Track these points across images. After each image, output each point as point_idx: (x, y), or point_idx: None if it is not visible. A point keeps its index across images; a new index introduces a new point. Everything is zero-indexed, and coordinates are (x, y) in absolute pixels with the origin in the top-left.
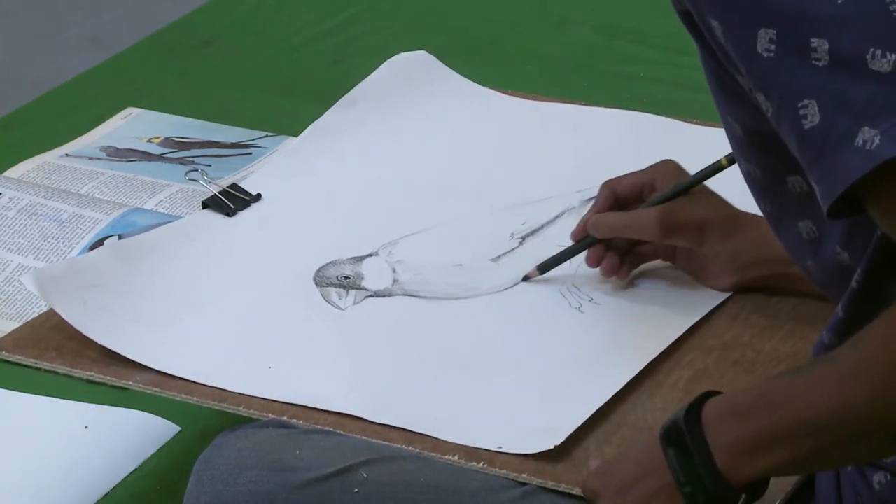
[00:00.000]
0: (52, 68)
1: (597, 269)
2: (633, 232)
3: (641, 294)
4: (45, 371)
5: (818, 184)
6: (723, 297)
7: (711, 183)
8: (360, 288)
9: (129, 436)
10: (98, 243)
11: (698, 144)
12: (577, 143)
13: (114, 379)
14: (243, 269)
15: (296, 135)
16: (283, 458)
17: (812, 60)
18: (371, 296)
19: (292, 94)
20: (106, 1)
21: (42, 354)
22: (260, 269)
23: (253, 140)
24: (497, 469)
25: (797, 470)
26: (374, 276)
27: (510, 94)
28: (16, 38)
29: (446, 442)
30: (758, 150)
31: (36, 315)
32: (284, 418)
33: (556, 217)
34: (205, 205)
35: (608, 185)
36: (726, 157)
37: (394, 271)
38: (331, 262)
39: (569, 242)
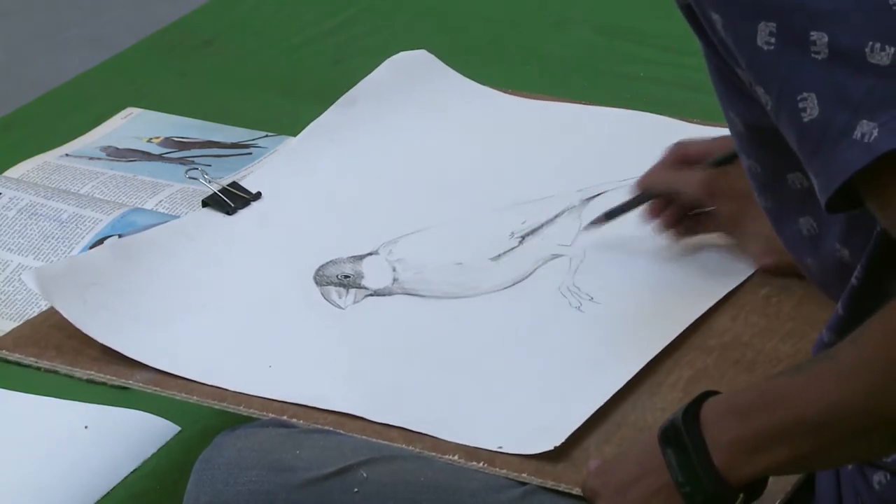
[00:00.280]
0: (52, 68)
1: (596, 270)
2: (681, 188)
3: (642, 293)
4: (46, 370)
5: (817, 177)
6: (722, 294)
7: None
8: (360, 287)
9: (129, 436)
10: (98, 243)
11: None
12: (577, 143)
13: (114, 378)
14: (243, 267)
15: (296, 135)
16: (283, 457)
17: (811, 54)
18: (371, 295)
19: (292, 94)
20: (106, 1)
21: (42, 353)
22: (260, 268)
23: (253, 140)
24: (497, 469)
25: (797, 469)
26: (375, 274)
27: (511, 94)
28: (16, 38)
29: (446, 441)
30: (758, 146)
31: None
32: (284, 418)
33: (556, 216)
34: (205, 203)
35: (680, 144)
36: None
37: (394, 270)
38: (331, 261)
39: (569, 242)
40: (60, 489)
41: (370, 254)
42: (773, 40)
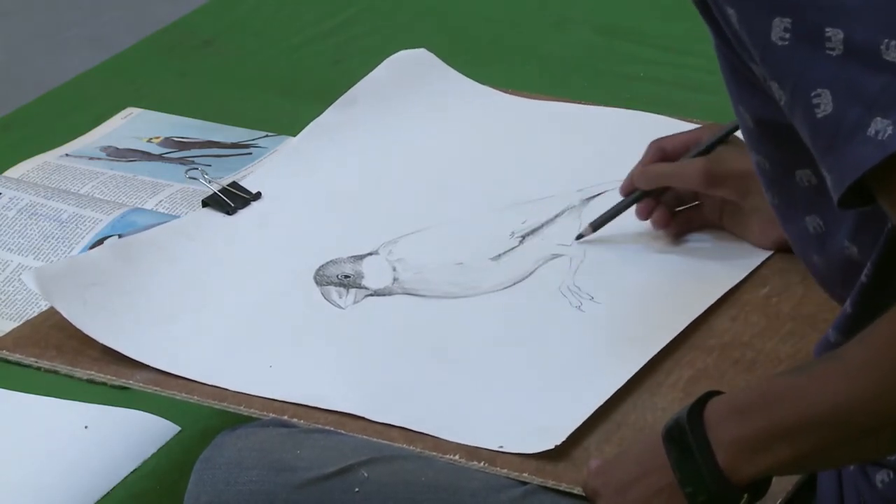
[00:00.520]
0: (52, 68)
1: (596, 270)
2: (679, 181)
3: (642, 293)
4: (46, 370)
5: (829, 173)
6: (722, 294)
7: None
8: (360, 287)
9: (129, 436)
10: (98, 243)
11: None
12: (577, 143)
13: (114, 378)
14: (243, 267)
15: (296, 135)
16: (283, 457)
17: (826, 50)
18: (371, 294)
19: (292, 94)
20: (106, 1)
21: (42, 353)
22: (260, 268)
23: (253, 140)
24: (498, 468)
25: (800, 469)
26: (375, 274)
27: (511, 94)
28: (16, 38)
29: (447, 441)
30: (767, 142)
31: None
32: (285, 417)
33: (557, 216)
34: (205, 203)
35: (656, 142)
36: None
37: (394, 270)
38: (331, 261)
39: (569, 242)
40: (60, 489)
41: (370, 254)
42: (787, 36)
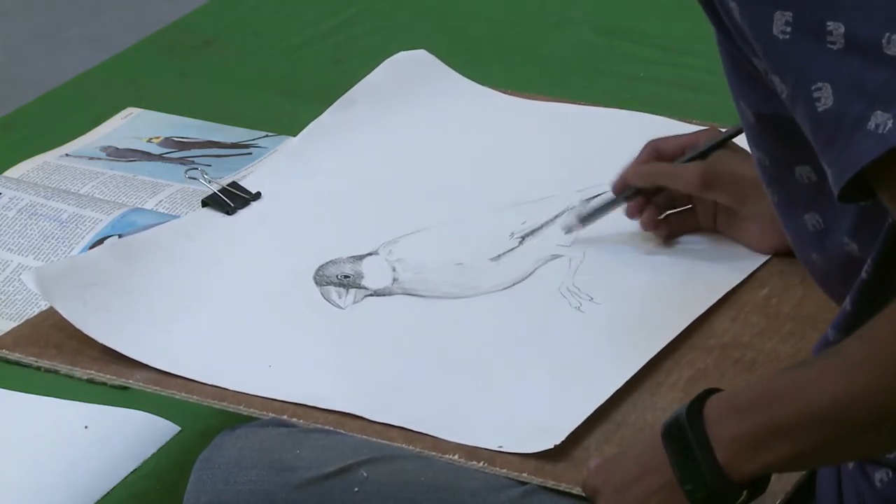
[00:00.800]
0: (52, 68)
1: (596, 270)
2: (674, 182)
3: (642, 293)
4: (46, 370)
5: (830, 167)
6: (722, 294)
7: None
8: (359, 287)
9: (129, 436)
10: (98, 243)
11: None
12: (577, 143)
13: (114, 377)
14: (243, 267)
15: (296, 135)
16: (283, 457)
17: (827, 44)
18: (371, 295)
19: (292, 94)
20: (106, 1)
21: (42, 353)
22: (260, 268)
23: (253, 140)
24: (497, 468)
25: (800, 466)
26: (374, 274)
27: (510, 94)
28: (16, 38)
29: (447, 441)
30: (767, 137)
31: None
32: (285, 417)
33: (556, 216)
34: (204, 203)
35: (652, 142)
36: None
37: (394, 270)
38: (331, 261)
39: (568, 243)
40: (60, 489)
41: (370, 254)
42: (788, 29)
